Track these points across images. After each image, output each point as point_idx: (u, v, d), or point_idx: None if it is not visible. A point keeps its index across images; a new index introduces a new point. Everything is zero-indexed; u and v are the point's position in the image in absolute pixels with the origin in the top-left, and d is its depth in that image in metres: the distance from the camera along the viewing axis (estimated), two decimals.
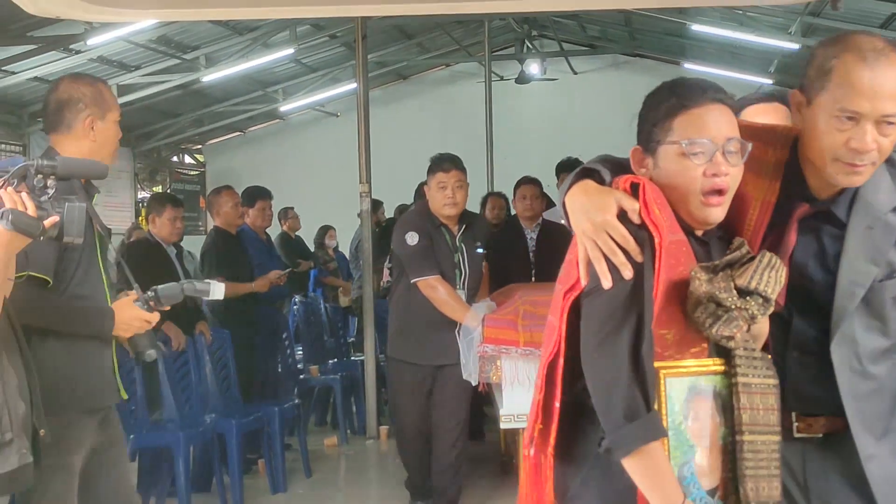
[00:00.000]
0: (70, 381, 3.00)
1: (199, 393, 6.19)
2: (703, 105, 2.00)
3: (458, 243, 5.25)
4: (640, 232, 1.95)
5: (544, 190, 6.93)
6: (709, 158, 1.95)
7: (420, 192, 6.47)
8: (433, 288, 5.07)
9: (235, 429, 5.99)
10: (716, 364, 1.99)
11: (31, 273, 2.82)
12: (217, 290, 3.29)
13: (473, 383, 4.90)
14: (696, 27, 12.43)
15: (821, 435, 2.12)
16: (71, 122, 3.12)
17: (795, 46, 11.94)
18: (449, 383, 5.19)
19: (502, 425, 4.76)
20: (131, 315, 3.08)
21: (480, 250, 5.35)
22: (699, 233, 2.05)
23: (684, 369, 1.97)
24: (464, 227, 5.29)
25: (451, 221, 5.23)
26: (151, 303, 3.11)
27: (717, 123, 1.98)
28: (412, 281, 5.14)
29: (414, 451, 5.44)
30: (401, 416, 5.49)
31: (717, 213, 1.99)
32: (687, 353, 1.97)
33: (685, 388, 1.96)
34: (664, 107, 2.04)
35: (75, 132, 3.12)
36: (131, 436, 5.38)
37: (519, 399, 4.58)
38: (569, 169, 6.92)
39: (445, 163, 5.19)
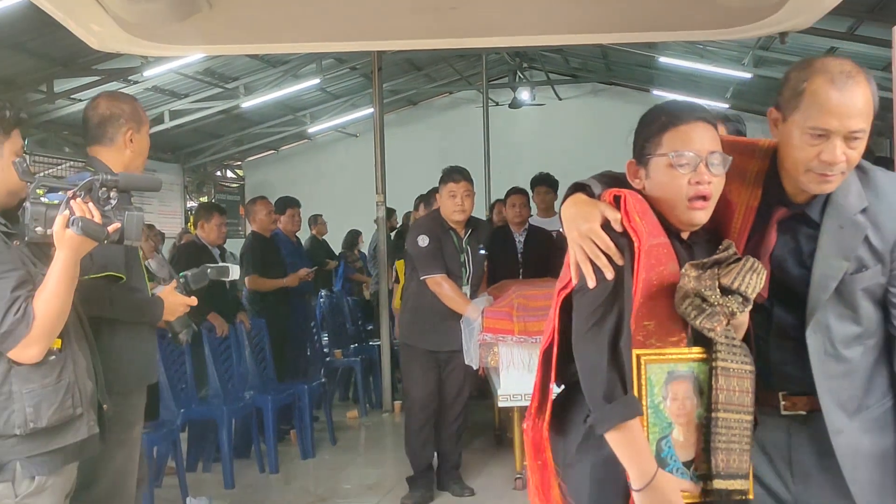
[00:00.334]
0: (136, 362, 3.02)
1: (240, 373, 6.22)
2: (689, 123, 1.98)
3: (464, 245, 5.16)
4: (622, 238, 1.94)
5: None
6: (693, 169, 1.94)
7: (423, 201, 6.41)
8: (439, 284, 5.01)
9: (271, 403, 6.01)
10: (694, 352, 1.96)
11: (110, 273, 2.86)
12: (234, 271, 3.39)
13: (474, 367, 4.85)
14: (663, 59, 12.41)
15: (804, 412, 2.07)
16: (113, 136, 3.04)
17: (748, 76, 11.93)
18: (454, 367, 5.14)
19: (500, 403, 4.74)
20: (175, 301, 3.11)
21: (483, 251, 5.27)
22: (685, 236, 2.02)
23: (664, 356, 1.95)
24: (469, 231, 5.21)
25: (459, 226, 5.14)
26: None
27: (701, 139, 1.96)
28: (421, 278, 5.07)
29: (420, 425, 5.27)
30: (411, 394, 5.34)
31: (702, 216, 1.97)
32: (667, 342, 1.95)
33: (664, 372, 1.94)
34: (656, 124, 2.01)
35: (117, 145, 3.04)
36: (182, 410, 5.41)
37: (514, 380, 4.59)
38: (542, 182, 6.73)
39: (456, 174, 5.11)
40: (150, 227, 9.81)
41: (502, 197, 7.00)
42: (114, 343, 2.90)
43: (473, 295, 5.15)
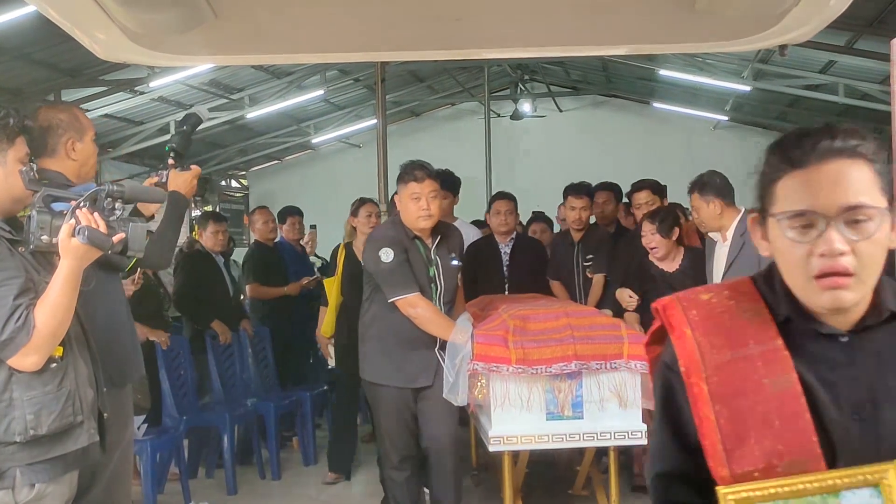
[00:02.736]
0: (117, 358, 2.97)
1: (243, 380, 6.22)
2: (812, 164, 1.31)
3: (432, 256, 4.18)
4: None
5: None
6: (819, 235, 1.29)
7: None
8: (414, 306, 4.02)
9: (273, 410, 6.01)
10: (848, 476, 1.26)
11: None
12: (202, 112, 3.40)
13: (461, 404, 3.95)
14: (663, 72, 12.42)
15: None
16: (54, 147, 2.90)
17: (747, 88, 11.95)
18: (433, 404, 4.10)
19: (491, 448, 3.92)
20: (184, 179, 3.19)
21: (455, 262, 4.27)
22: (841, 324, 1.34)
23: (766, 490, 1.27)
24: (438, 238, 4.22)
25: (424, 234, 4.16)
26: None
27: (829, 188, 1.29)
28: (390, 300, 4.05)
29: (405, 478, 4.29)
30: (386, 443, 4.31)
31: (845, 296, 1.29)
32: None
33: None
34: (770, 164, 1.37)
35: (59, 155, 2.91)
36: (184, 416, 5.39)
37: (509, 420, 3.82)
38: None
39: (418, 171, 4.13)
40: None
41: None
42: (109, 338, 2.87)
43: (447, 315, 4.18)
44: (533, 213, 7.83)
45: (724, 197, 4.59)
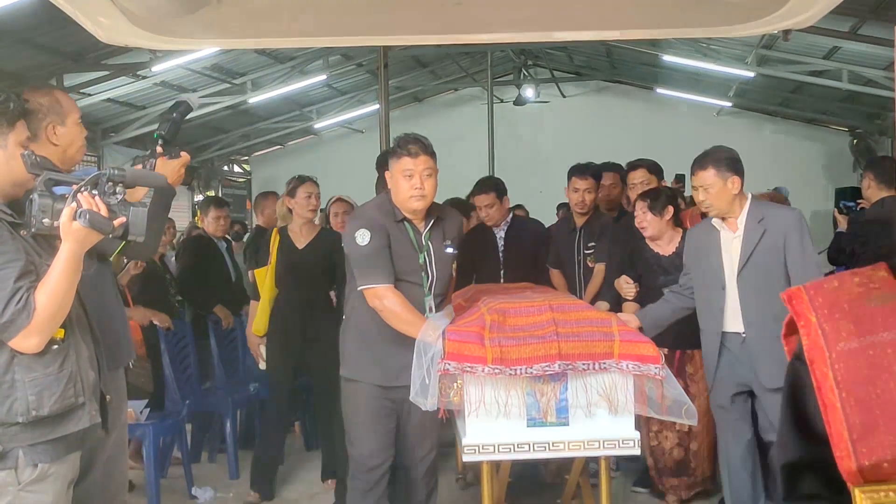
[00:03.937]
0: (109, 343, 2.90)
1: (245, 364, 6.22)
2: None
3: (424, 242, 3.71)
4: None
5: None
6: None
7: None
8: (381, 298, 3.56)
9: None
10: None
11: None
12: (193, 101, 3.37)
13: (430, 408, 3.38)
14: (667, 57, 12.38)
15: None
16: (35, 131, 2.76)
17: (751, 74, 11.91)
18: (416, 409, 3.54)
19: (465, 458, 3.51)
20: (172, 169, 3.11)
21: (450, 250, 3.78)
22: None
23: None
24: (431, 222, 3.76)
25: (416, 216, 3.70)
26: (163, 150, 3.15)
27: None
28: (358, 288, 3.63)
29: (368, 488, 3.77)
30: (355, 446, 3.79)
31: None
32: None
33: None
34: None
35: (41, 140, 2.78)
36: (187, 401, 5.41)
37: (485, 426, 3.38)
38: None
39: (412, 145, 3.64)
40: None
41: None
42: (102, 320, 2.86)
43: (439, 308, 3.73)
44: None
45: (742, 177, 4.05)
